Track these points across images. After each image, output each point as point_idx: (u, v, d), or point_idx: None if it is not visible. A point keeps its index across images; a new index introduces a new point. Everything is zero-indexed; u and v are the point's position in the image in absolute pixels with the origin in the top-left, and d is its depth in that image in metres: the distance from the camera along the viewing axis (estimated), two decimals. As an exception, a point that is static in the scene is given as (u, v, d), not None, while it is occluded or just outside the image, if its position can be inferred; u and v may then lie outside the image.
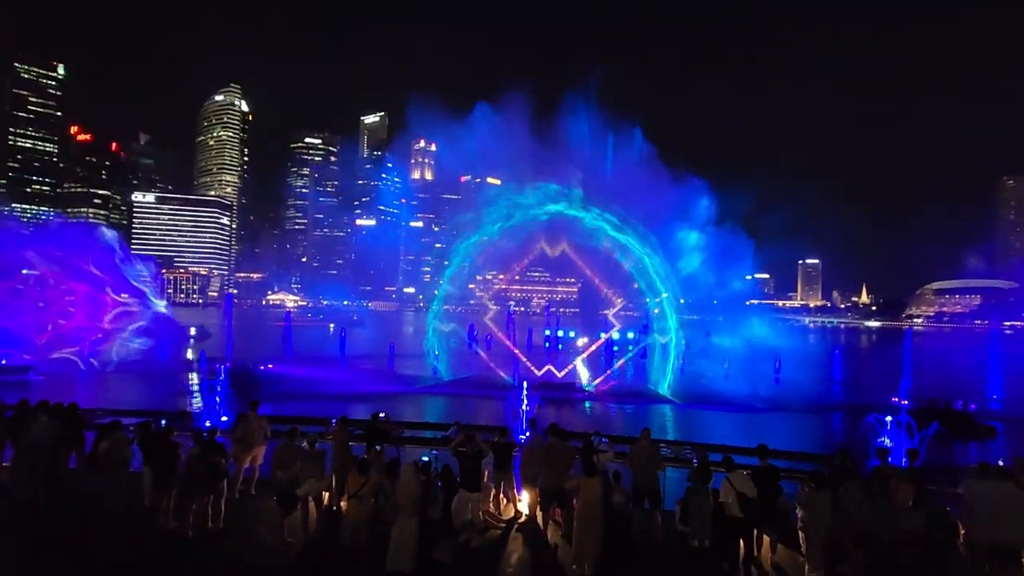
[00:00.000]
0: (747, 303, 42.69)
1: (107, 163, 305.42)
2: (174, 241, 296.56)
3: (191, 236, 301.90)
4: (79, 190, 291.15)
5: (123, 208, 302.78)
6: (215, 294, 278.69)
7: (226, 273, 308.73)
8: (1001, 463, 9.32)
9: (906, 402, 20.92)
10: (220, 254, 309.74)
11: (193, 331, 59.00)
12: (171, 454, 10.68)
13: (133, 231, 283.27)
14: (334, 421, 12.88)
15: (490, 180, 68.34)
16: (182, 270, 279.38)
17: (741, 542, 9.48)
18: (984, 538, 8.58)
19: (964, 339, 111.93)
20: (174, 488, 10.34)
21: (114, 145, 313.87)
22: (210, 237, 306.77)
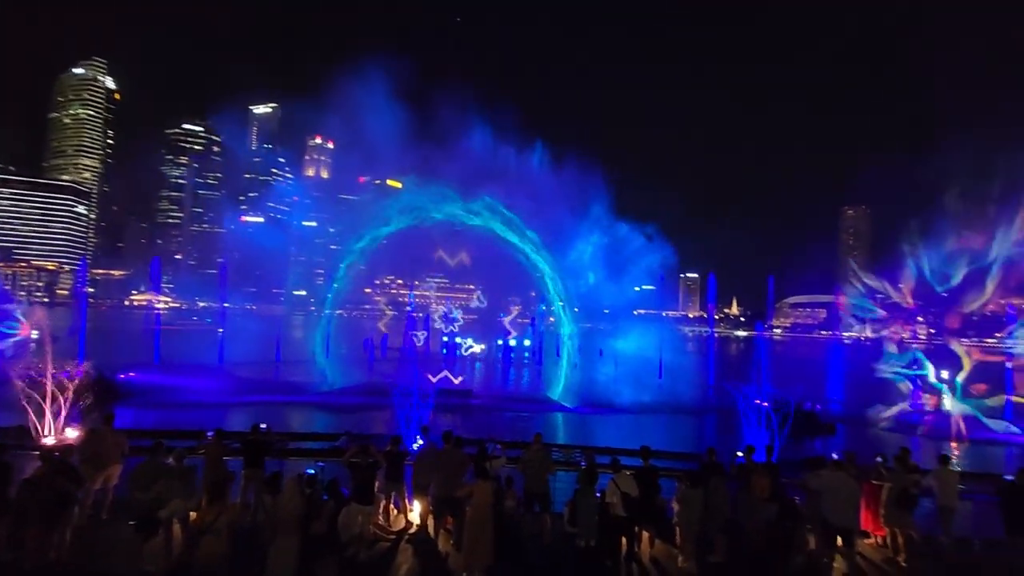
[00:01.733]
0: (635, 312, 45.37)
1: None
2: (15, 230, 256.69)
3: (37, 225, 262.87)
4: None
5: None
6: (65, 292, 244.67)
7: (79, 268, 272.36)
8: (835, 456, 10.70)
9: (765, 404, 23.26)
10: (73, 247, 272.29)
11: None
12: (2, 477, 9.18)
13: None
14: (209, 434, 11.84)
15: (391, 182, 66.79)
16: (23, 264, 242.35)
17: (623, 539, 10.01)
18: (821, 521, 9.84)
19: (812, 347, 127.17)
20: (4, 516, 8.86)
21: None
22: (61, 227, 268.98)
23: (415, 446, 15.63)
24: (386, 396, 19.67)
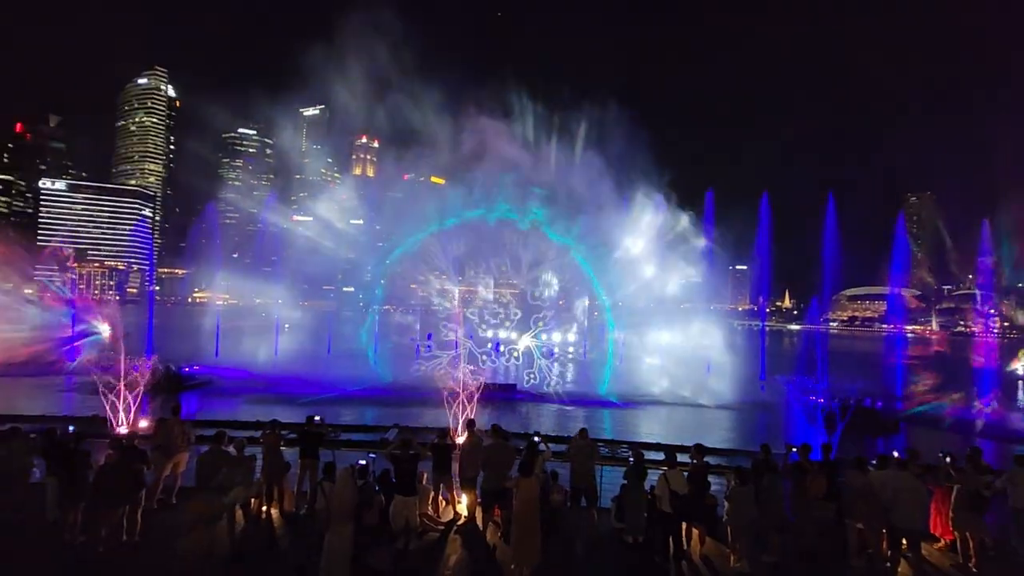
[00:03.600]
0: (682, 306, 44.42)
1: (10, 145, 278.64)
2: (88, 233, 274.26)
3: (108, 228, 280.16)
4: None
5: (28, 195, 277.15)
6: (135, 291, 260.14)
7: (147, 268, 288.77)
8: (896, 454, 10.17)
9: (821, 400, 22.36)
10: (140, 248, 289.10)
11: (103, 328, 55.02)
12: (79, 463, 9.86)
13: (40, 220, 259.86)
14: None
15: (433, 179, 67.63)
16: (96, 264, 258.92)
17: (671, 536, 9.87)
18: (883, 523, 9.38)
19: (873, 342, 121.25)
20: (82, 500, 9.51)
21: (19, 126, 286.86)
22: (129, 230, 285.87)
23: (460, 439, 15.86)
24: (434, 391, 20.04)
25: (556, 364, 34.72)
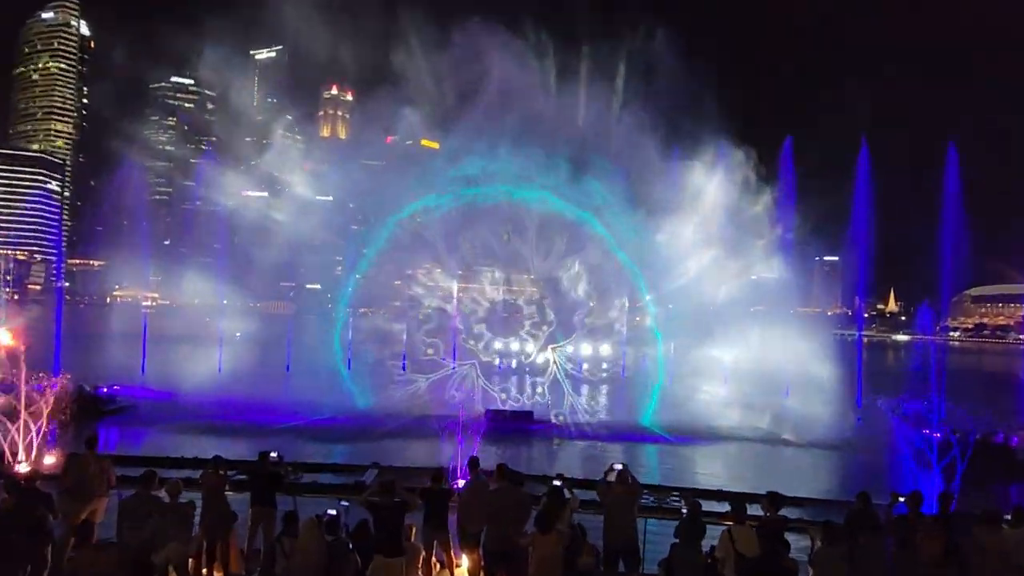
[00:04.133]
0: (752, 309, 44.30)
1: None
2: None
3: (1, 206, 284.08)
4: None
5: None
6: (38, 287, 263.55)
7: (54, 258, 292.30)
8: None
9: (938, 435, 22.17)
10: (45, 232, 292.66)
11: None
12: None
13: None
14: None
15: (425, 143, 67.94)
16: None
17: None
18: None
19: (1007, 358, 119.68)
20: None
21: None
22: (31, 208, 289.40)
23: (461, 483, 15.93)
24: (426, 419, 20.16)
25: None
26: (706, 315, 44.26)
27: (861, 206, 45.66)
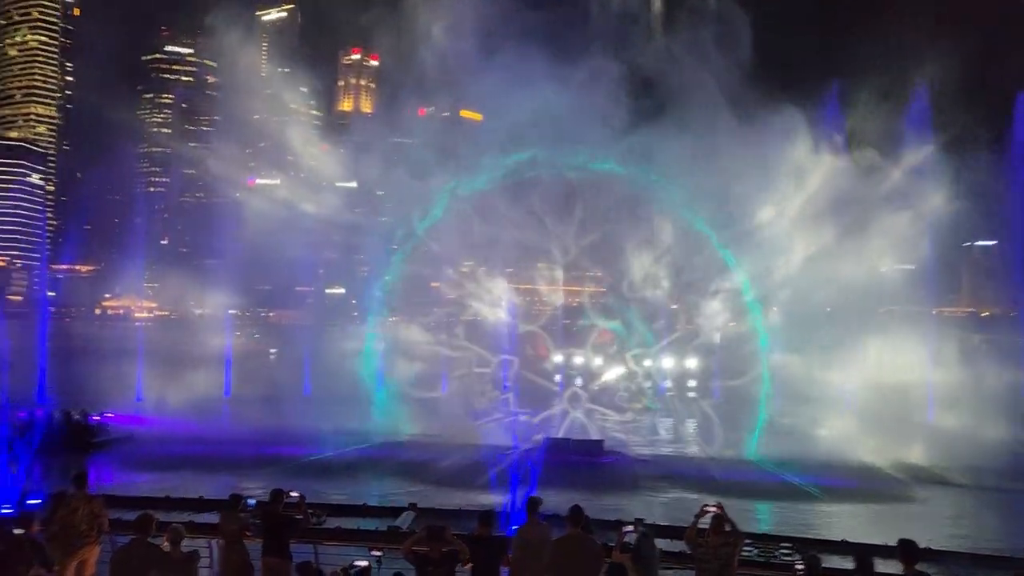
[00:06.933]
0: (882, 310, 43.28)
1: None
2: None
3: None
4: None
5: None
6: (19, 298, 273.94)
7: (37, 264, 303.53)
8: None
9: None
10: (26, 233, 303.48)
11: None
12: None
13: None
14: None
15: (465, 114, 68.37)
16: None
17: None
18: None
19: None
20: None
21: None
22: (11, 206, 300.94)
23: (516, 529, 15.89)
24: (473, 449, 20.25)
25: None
26: (818, 320, 43.21)
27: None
